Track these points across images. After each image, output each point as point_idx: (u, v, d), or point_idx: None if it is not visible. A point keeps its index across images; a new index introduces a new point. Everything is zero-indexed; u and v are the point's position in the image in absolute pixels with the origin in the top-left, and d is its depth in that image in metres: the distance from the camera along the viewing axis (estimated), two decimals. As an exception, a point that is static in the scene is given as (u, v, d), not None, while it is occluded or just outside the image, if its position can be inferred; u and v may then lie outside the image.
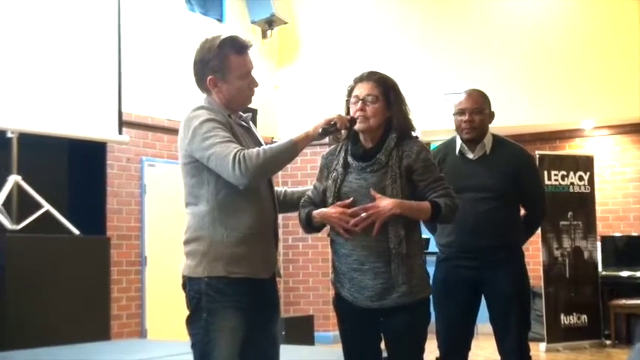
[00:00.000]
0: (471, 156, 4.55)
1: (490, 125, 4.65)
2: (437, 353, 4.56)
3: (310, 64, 11.45)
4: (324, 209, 3.55)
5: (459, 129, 4.56)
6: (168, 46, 9.76)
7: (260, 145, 3.45)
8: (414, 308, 3.53)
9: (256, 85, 3.49)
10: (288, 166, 3.57)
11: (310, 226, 3.61)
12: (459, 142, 4.60)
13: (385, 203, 3.43)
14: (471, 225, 4.39)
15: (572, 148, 11.07)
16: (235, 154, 3.16)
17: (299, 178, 9.87)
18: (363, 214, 3.44)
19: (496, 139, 4.60)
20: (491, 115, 4.61)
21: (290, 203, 3.72)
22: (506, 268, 4.45)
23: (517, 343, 4.44)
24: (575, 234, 9.77)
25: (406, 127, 3.62)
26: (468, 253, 4.45)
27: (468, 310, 4.53)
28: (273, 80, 11.33)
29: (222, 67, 3.40)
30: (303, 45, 11.53)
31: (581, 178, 9.91)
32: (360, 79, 3.64)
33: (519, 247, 4.62)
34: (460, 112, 4.54)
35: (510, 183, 4.48)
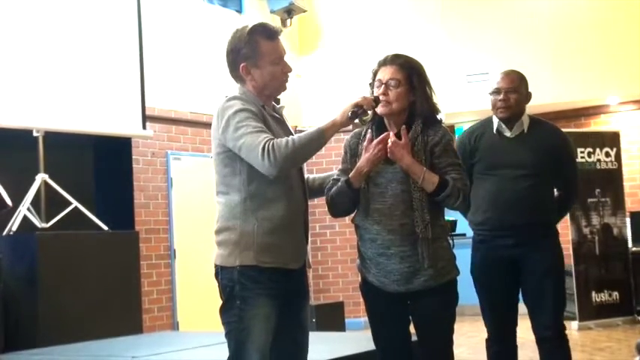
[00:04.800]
0: (508, 134, 4.55)
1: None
2: (485, 334, 4.56)
3: (331, 50, 11.43)
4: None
5: (494, 107, 4.57)
6: (188, 39, 9.80)
7: (291, 135, 3.47)
8: (441, 291, 3.54)
9: (290, 70, 3.52)
10: (312, 153, 3.55)
11: (351, 188, 3.53)
12: (495, 120, 4.61)
13: (403, 154, 3.45)
14: (509, 202, 4.41)
15: (598, 125, 10.99)
16: (265, 144, 3.18)
17: (324, 165, 9.86)
18: (386, 139, 3.47)
19: (533, 119, 4.61)
20: (528, 96, 4.62)
21: (312, 189, 3.71)
22: (541, 244, 4.46)
23: (553, 320, 4.43)
24: (604, 211, 9.71)
25: (430, 111, 3.62)
26: (504, 230, 4.45)
27: (510, 289, 4.53)
28: (295, 69, 11.29)
29: (254, 53, 3.41)
30: (323, 32, 11.51)
31: (607, 155, 9.84)
32: (383, 63, 3.64)
33: (554, 226, 4.62)
34: (496, 91, 4.55)
35: (548, 161, 4.49)
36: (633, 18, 10.06)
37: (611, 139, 9.98)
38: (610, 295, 9.57)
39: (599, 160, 9.77)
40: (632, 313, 9.66)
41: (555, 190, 4.70)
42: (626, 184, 10.15)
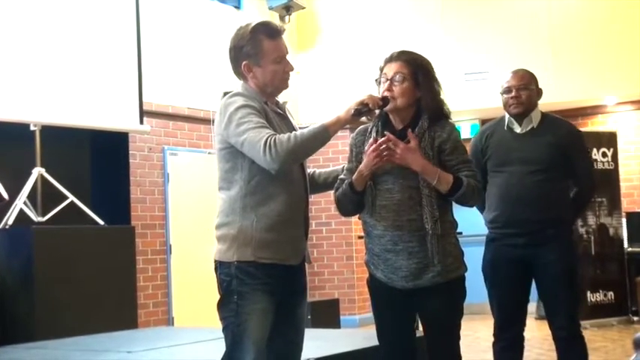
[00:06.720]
0: (518, 130, 4.59)
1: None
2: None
3: (329, 48, 11.43)
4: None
5: (506, 106, 4.61)
6: (186, 34, 9.79)
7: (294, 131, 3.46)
8: (448, 287, 3.54)
9: (291, 69, 3.53)
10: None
11: (354, 191, 3.53)
12: (507, 118, 4.64)
13: (415, 159, 3.43)
14: (516, 197, 4.44)
15: (595, 125, 11.00)
16: (267, 140, 3.19)
17: (321, 162, 9.84)
18: (392, 144, 3.42)
19: (545, 115, 4.65)
20: (539, 92, 4.67)
21: (316, 184, 3.72)
22: (554, 244, 4.46)
23: (567, 321, 4.48)
24: (600, 211, 9.72)
25: (437, 108, 3.60)
26: (514, 228, 4.46)
27: (519, 289, 4.55)
28: (293, 66, 11.29)
29: (256, 52, 3.42)
30: (321, 29, 11.50)
31: (604, 155, 9.84)
32: (390, 59, 3.62)
33: (568, 224, 4.64)
34: (507, 90, 4.59)
35: (558, 157, 4.51)
36: (631, 18, 10.06)
37: (608, 140, 9.99)
38: (605, 295, 9.59)
39: (595, 161, 9.76)
40: (627, 313, 9.69)
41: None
42: (623, 185, 10.17)
